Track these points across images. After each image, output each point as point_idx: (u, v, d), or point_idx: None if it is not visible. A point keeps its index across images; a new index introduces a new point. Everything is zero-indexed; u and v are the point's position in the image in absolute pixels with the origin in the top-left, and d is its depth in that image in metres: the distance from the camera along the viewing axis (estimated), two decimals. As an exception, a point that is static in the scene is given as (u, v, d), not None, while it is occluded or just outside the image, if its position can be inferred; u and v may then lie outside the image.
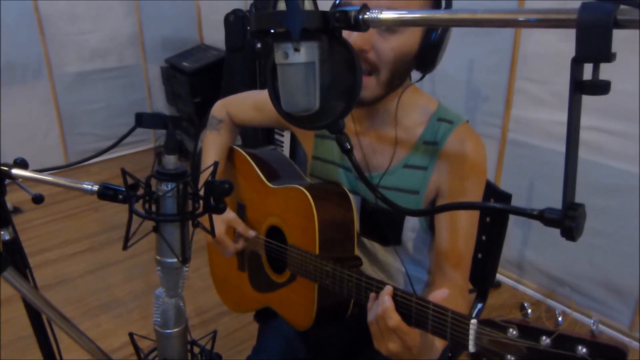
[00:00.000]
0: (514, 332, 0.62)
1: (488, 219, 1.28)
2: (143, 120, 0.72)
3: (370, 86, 0.96)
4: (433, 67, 0.99)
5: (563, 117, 2.23)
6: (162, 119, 0.71)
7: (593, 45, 0.40)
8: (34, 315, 1.03)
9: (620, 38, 1.59)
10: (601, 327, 2.17)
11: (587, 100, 1.83)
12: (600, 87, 0.41)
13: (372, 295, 0.85)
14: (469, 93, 2.41)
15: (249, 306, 1.33)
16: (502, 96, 2.28)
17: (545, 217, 0.47)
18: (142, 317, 2.24)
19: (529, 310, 0.63)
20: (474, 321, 0.68)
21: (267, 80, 0.69)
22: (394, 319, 0.78)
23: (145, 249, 2.60)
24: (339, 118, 0.66)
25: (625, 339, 2.11)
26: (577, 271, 2.21)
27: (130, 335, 0.84)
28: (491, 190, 1.24)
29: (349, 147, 0.67)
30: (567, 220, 0.45)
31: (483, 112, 2.37)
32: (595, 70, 0.41)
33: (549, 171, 2.11)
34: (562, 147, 2.27)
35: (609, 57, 0.40)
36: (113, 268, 2.62)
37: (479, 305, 1.33)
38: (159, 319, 0.80)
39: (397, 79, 0.98)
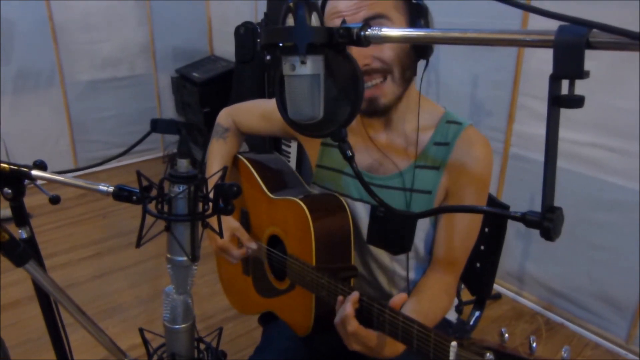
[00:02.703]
0: (491, 357, 0.65)
1: (487, 229, 1.31)
2: (158, 125, 0.77)
3: (388, 90, 1.02)
4: (431, 50, 1.03)
5: (564, 134, 2.27)
6: (176, 125, 0.76)
7: (568, 63, 0.44)
8: (47, 310, 1.07)
9: (619, 57, 1.63)
10: (598, 339, 2.20)
11: (587, 117, 1.87)
12: (575, 101, 0.46)
13: (340, 299, 0.94)
14: (472, 108, 2.45)
15: (253, 309, 1.37)
16: (505, 111, 2.32)
17: (526, 219, 0.51)
18: (148, 322, 2.28)
19: (506, 336, 0.66)
20: (453, 343, 0.72)
21: (275, 90, 0.74)
22: (352, 325, 0.88)
23: (151, 256, 2.66)
24: (342, 127, 0.71)
25: (622, 352, 2.13)
26: (576, 284, 2.24)
27: (140, 330, 0.88)
28: (490, 202, 1.28)
29: (350, 154, 0.71)
30: (546, 221, 0.49)
31: (486, 126, 2.41)
32: (571, 85, 0.46)
33: (550, 185, 2.15)
34: (562, 163, 2.33)
35: (582, 74, 0.44)
36: (120, 273, 2.65)
37: (477, 314, 1.36)
38: (168, 315, 0.83)
39: (407, 70, 1.03)
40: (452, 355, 0.72)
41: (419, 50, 1.03)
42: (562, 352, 0.58)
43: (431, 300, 1.05)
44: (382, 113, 1.07)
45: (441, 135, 1.08)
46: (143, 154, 4.00)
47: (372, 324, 0.89)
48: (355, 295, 0.91)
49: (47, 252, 2.80)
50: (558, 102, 0.45)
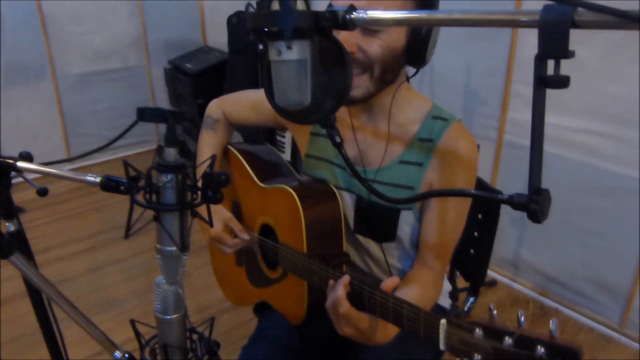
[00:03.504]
0: (480, 333, 0.66)
1: (480, 216, 1.31)
2: (145, 114, 0.76)
3: (362, 84, 1.00)
4: (424, 62, 1.02)
5: (557, 119, 2.28)
6: (163, 114, 0.75)
7: (553, 43, 0.44)
8: (38, 305, 1.07)
9: (614, 43, 1.63)
10: (592, 323, 2.22)
11: (581, 103, 1.87)
12: (561, 81, 0.45)
13: (331, 282, 0.93)
14: (466, 95, 2.44)
15: (247, 300, 1.37)
16: (498, 99, 2.31)
17: (513, 201, 0.51)
18: (143, 314, 2.27)
19: (495, 312, 0.66)
20: (443, 321, 0.72)
21: (263, 77, 0.73)
22: (344, 306, 0.87)
23: (146, 248, 2.65)
24: (330, 113, 0.70)
25: (615, 335, 2.15)
26: (570, 270, 2.25)
27: (132, 322, 0.88)
28: (481, 187, 1.28)
29: (339, 140, 0.71)
30: (533, 203, 0.49)
31: (480, 114, 2.40)
32: (557, 66, 0.45)
33: (544, 172, 2.14)
34: (556, 149, 2.33)
35: (567, 54, 0.44)
36: (114, 267, 2.65)
37: (471, 300, 1.37)
38: (159, 306, 0.83)
39: (389, 74, 1.01)
40: (441, 333, 0.72)
41: (412, 59, 1.01)
42: (550, 325, 0.59)
43: (420, 292, 1.05)
44: (351, 103, 1.06)
45: (426, 131, 1.07)
46: (137, 147, 3.98)
47: (364, 306, 0.89)
48: (346, 278, 0.91)
49: (41, 247, 2.79)
50: (544, 82, 0.45)
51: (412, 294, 1.02)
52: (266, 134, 3.22)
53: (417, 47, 0.99)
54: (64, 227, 3.03)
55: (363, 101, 1.03)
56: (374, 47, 0.96)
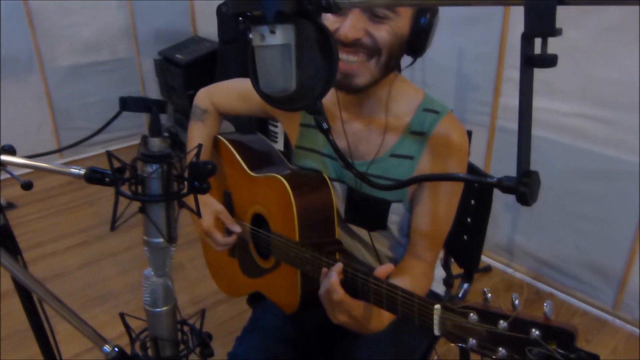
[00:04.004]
0: (474, 317, 0.65)
1: (473, 202, 1.31)
2: (127, 104, 0.74)
3: (368, 70, 0.99)
4: (423, 52, 1.01)
5: (549, 104, 2.27)
6: (146, 103, 0.73)
7: (540, 20, 0.42)
8: (27, 301, 1.06)
9: (605, 25, 1.62)
10: (586, 307, 2.23)
11: (573, 87, 1.86)
12: (548, 60, 0.44)
13: (324, 270, 0.92)
14: (458, 82, 2.43)
15: (240, 291, 1.36)
16: (491, 85, 2.30)
17: (502, 184, 0.50)
18: (138, 308, 2.24)
19: (489, 295, 0.66)
20: (437, 306, 0.71)
21: (248, 63, 0.71)
22: (338, 293, 0.86)
23: (139, 242, 2.60)
24: (317, 99, 0.69)
25: (609, 318, 2.16)
26: (563, 254, 2.26)
27: (121, 315, 0.87)
28: (470, 171, 1.27)
29: (326, 127, 0.69)
30: (522, 186, 0.48)
31: (472, 100, 2.39)
32: (544, 44, 0.44)
33: (536, 157, 2.13)
34: (548, 134, 2.32)
35: (554, 31, 0.42)
36: (108, 261, 2.63)
37: (465, 286, 1.37)
38: (148, 298, 0.82)
39: (394, 60, 1.01)
40: (436, 318, 0.71)
41: (412, 48, 1.00)
42: (544, 307, 0.58)
43: (411, 284, 1.04)
44: (353, 91, 1.04)
45: (417, 124, 1.06)
46: (130, 139, 3.95)
47: (357, 293, 0.88)
48: (339, 265, 0.90)
49: (34, 242, 2.77)
50: (531, 61, 0.44)
51: (403, 284, 1.01)
52: (258, 124, 3.20)
53: (420, 35, 0.98)
54: (57, 222, 3.01)
55: (366, 88, 1.02)
56: (382, 32, 0.96)
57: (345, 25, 0.94)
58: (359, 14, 0.94)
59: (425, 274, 1.10)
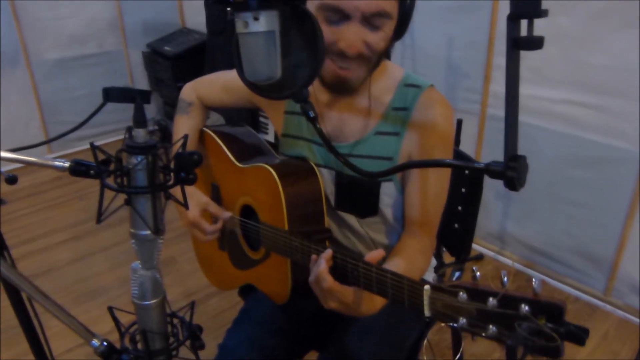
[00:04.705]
0: (464, 296, 0.65)
1: (463, 190, 1.30)
2: (111, 95, 0.73)
3: (362, 73, 1.00)
4: (406, 30, 1.01)
5: (540, 91, 2.27)
6: (130, 93, 0.72)
7: (525, 1, 0.42)
8: (14, 297, 1.05)
9: (595, 12, 1.62)
10: (578, 293, 2.24)
11: (562, 74, 1.86)
12: (535, 42, 0.43)
13: (313, 257, 0.92)
14: (448, 70, 2.42)
15: (231, 284, 1.36)
16: (481, 72, 2.30)
17: (490, 169, 0.49)
18: (130, 303, 2.24)
19: (478, 274, 0.66)
20: (426, 287, 0.71)
21: (233, 52, 0.70)
22: (327, 280, 0.86)
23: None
24: (303, 87, 0.68)
25: (600, 304, 2.17)
26: (555, 241, 2.27)
27: (110, 309, 0.86)
28: (458, 157, 1.27)
29: (313, 115, 0.69)
30: (509, 171, 0.47)
31: (463, 88, 2.38)
32: (530, 26, 0.43)
33: (527, 144, 2.15)
34: (539, 121, 2.32)
35: (540, 12, 0.42)
36: (99, 255, 2.62)
37: (457, 274, 1.37)
38: (136, 291, 0.82)
39: (384, 56, 1.02)
40: (426, 299, 0.71)
41: (399, 34, 1.00)
42: (533, 284, 0.58)
43: (408, 261, 1.04)
44: (346, 93, 1.06)
45: (400, 99, 1.06)
46: (120, 133, 3.91)
47: (347, 279, 0.88)
48: (328, 252, 0.89)
49: (24, 238, 2.75)
50: (517, 44, 0.43)
51: (400, 264, 1.00)
52: (248, 116, 3.18)
53: (405, 22, 0.98)
54: (47, 217, 2.99)
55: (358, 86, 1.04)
56: (378, 39, 0.96)
57: (346, 38, 0.94)
58: (358, 26, 0.94)
59: (422, 252, 1.08)
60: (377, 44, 0.97)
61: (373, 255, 0.86)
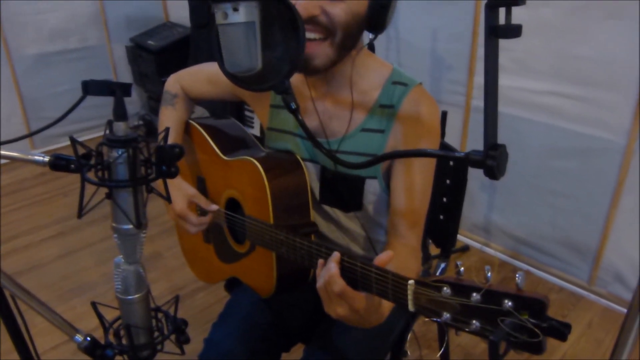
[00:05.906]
0: (448, 291, 0.65)
1: (448, 181, 1.31)
2: (90, 88, 0.72)
3: (324, 52, 0.97)
4: (384, 28, 0.99)
5: (524, 83, 2.28)
6: (109, 86, 0.71)
7: (503, -11, 0.42)
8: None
9: (574, 5, 1.62)
10: (562, 283, 2.27)
11: (545, 66, 1.86)
12: (513, 30, 0.43)
13: (321, 261, 0.86)
14: (432, 62, 2.43)
15: (217, 277, 1.35)
16: (465, 64, 2.31)
17: (470, 158, 0.49)
18: (115, 299, 2.24)
19: (462, 269, 0.66)
20: (411, 282, 0.71)
21: (213, 43, 0.70)
22: (339, 284, 0.80)
23: (115, 231, 2.59)
24: (285, 78, 0.68)
25: (584, 293, 2.20)
26: (539, 232, 2.29)
27: (93, 304, 0.85)
28: (441, 148, 1.27)
29: (294, 106, 0.68)
30: (489, 159, 0.48)
31: (447, 80, 2.39)
32: (508, 14, 0.43)
33: (512, 136, 2.16)
34: (523, 112, 2.33)
35: (518, 0, 0.42)
36: (84, 252, 2.59)
37: (442, 265, 1.38)
38: (119, 286, 0.81)
39: (350, 40, 0.99)
40: (410, 293, 0.71)
41: (372, 24, 0.98)
42: (516, 278, 0.59)
43: (401, 268, 1.03)
44: (311, 73, 1.03)
45: (387, 97, 1.05)
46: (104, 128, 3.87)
47: (357, 284, 0.82)
48: (336, 254, 0.84)
49: (9, 235, 2.72)
50: (495, 32, 0.43)
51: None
52: (234, 109, 3.16)
53: (379, 12, 0.96)
54: (31, 214, 2.95)
55: (325, 70, 1.01)
56: (338, 10, 0.94)
57: (300, 1, 0.91)
58: None
59: (413, 255, 1.07)
60: (338, 15, 0.94)
61: (382, 259, 0.81)
